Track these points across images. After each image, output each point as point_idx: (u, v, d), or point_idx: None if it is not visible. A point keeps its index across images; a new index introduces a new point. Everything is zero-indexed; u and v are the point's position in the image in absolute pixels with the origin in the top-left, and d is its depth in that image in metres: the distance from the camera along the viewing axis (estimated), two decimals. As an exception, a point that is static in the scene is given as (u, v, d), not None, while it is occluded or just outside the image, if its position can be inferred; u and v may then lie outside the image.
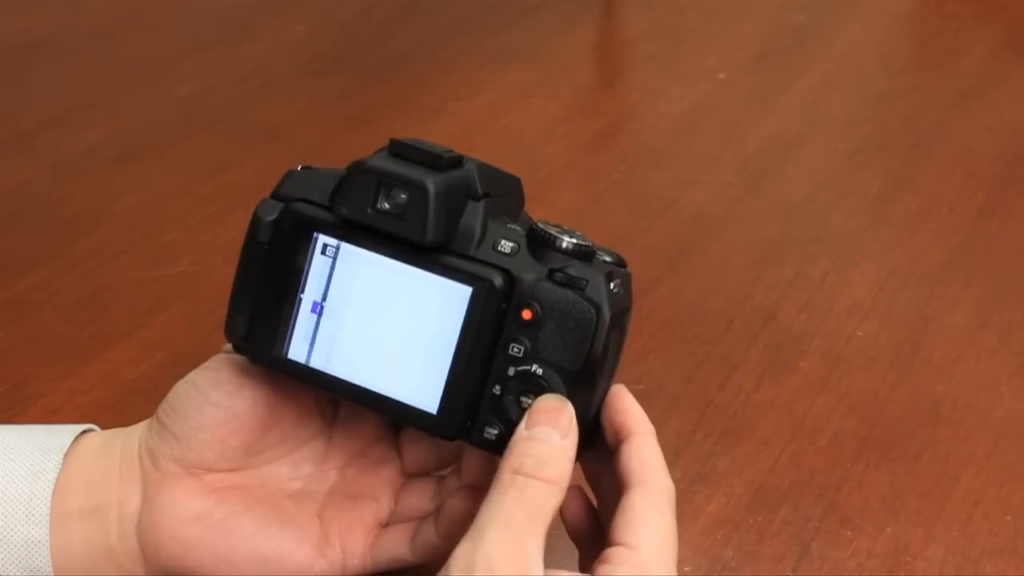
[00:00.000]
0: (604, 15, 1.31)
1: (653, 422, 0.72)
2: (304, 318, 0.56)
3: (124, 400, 0.73)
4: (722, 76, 1.16)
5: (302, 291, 0.56)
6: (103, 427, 0.61)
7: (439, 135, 1.04)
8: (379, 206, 0.54)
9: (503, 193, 0.57)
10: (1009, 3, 1.32)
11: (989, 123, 1.08)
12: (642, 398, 0.72)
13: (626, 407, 0.55)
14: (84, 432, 0.58)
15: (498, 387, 0.55)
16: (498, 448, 0.55)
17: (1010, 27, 1.28)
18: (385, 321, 0.56)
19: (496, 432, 0.55)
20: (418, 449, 0.59)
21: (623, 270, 0.56)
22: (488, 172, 0.56)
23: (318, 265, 0.56)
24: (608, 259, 0.56)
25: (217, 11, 1.26)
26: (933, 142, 1.05)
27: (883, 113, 1.11)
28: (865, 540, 0.65)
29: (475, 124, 1.06)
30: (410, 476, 0.59)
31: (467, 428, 0.55)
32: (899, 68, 1.22)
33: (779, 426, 0.72)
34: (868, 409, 0.74)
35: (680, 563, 0.63)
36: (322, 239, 0.56)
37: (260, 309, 0.57)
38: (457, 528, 0.57)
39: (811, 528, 0.66)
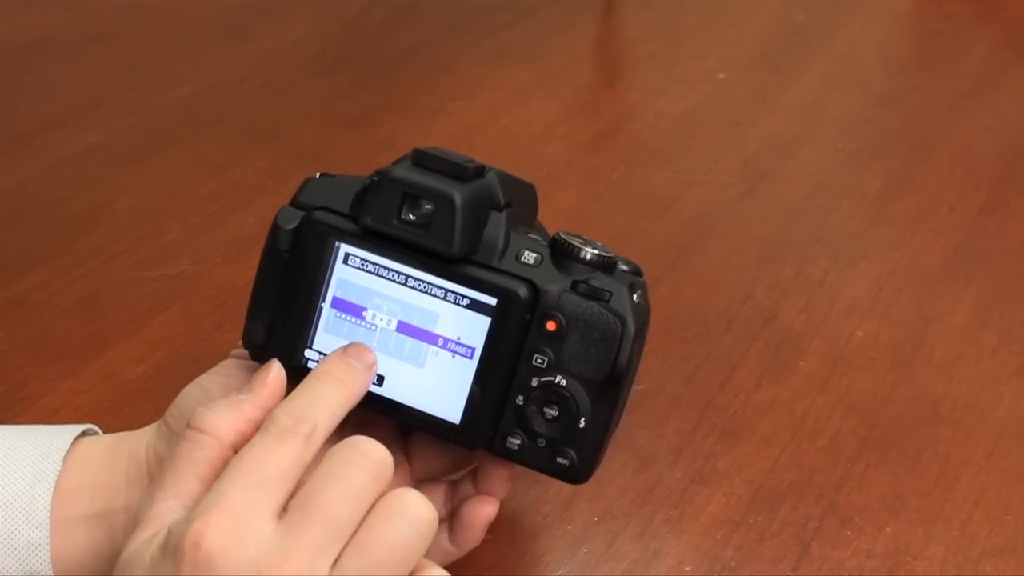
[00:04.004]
0: (604, 15, 1.31)
1: (653, 422, 0.72)
2: (325, 327, 0.56)
3: (124, 400, 0.73)
4: (722, 76, 1.16)
5: (323, 300, 0.56)
6: (103, 427, 0.61)
7: (439, 135, 1.04)
8: (404, 217, 0.54)
9: (521, 201, 0.57)
10: (1009, 3, 1.32)
11: (989, 123, 1.08)
12: (642, 398, 0.72)
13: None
14: (84, 433, 0.58)
15: (521, 398, 0.55)
16: (520, 458, 0.56)
17: (1010, 27, 1.28)
18: (408, 331, 0.56)
19: (518, 442, 0.55)
20: (427, 455, 0.59)
21: (641, 279, 0.56)
22: (508, 181, 0.56)
23: (340, 274, 0.56)
24: (626, 268, 0.56)
25: (217, 11, 1.26)
26: (933, 142, 1.05)
27: (883, 113, 1.11)
28: (865, 540, 0.65)
29: (475, 124, 1.06)
30: (419, 482, 0.59)
31: (489, 438, 0.55)
32: (899, 68, 1.22)
33: (779, 426, 0.72)
34: (868, 409, 0.74)
35: (680, 563, 0.63)
36: (344, 248, 0.56)
37: (279, 317, 0.57)
38: (472, 535, 0.57)
39: (811, 528, 0.66)
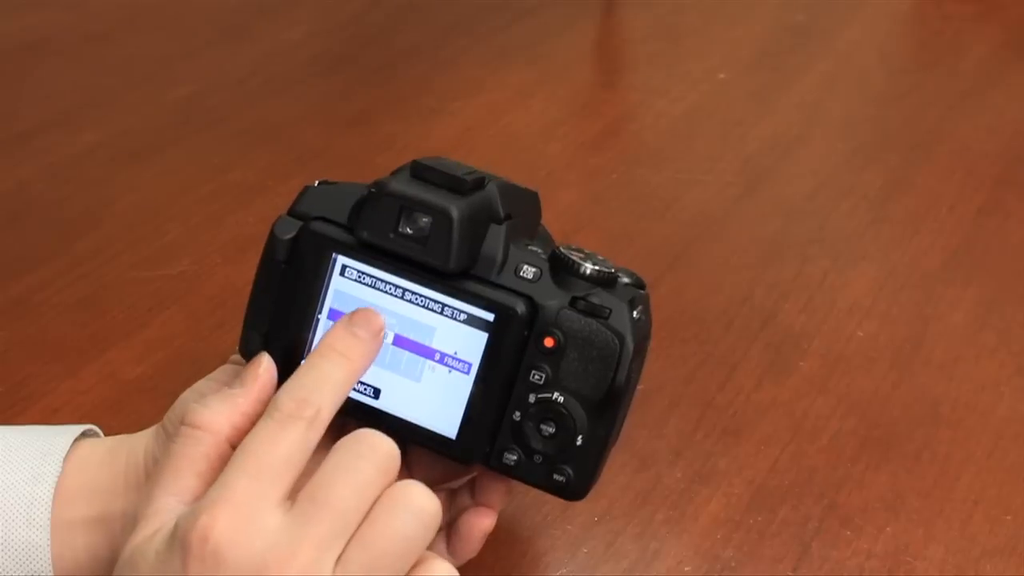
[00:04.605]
0: (604, 15, 1.31)
1: (653, 422, 0.72)
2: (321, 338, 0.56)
3: (124, 400, 0.73)
4: (722, 76, 1.16)
5: (320, 311, 0.56)
6: (103, 427, 0.61)
7: (439, 135, 1.04)
8: (401, 230, 0.54)
9: (523, 212, 0.57)
10: (1009, 3, 1.32)
11: (989, 123, 1.08)
12: (642, 398, 0.72)
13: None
14: (84, 433, 0.58)
15: (518, 413, 0.54)
16: (517, 474, 0.55)
17: (1010, 27, 1.28)
18: (404, 345, 0.55)
19: (515, 458, 0.55)
20: (426, 465, 0.59)
21: (643, 292, 0.55)
22: (509, 191, 0.56)
23: (337, 286, 0.56)
24: (627, 281, 0.55)
25: (217, 11, 1.26)
26: (933, 142, 1.05)
27: (883, 113, 1.11)
28: (865, 540, 0.65)
29: (475, 124, 1.06)
30: None
31: (486, 453, 0.55)
32: (899, 68, 1.22)
33: (779, 426, 0.72)
34: (868, 409, 0.74)
35: (680, 563, 0.63)
36: (341, 260, 0.55)
37: (276, 328, 0.56)
38: (469, 546, 0.57)
39: (811, 528, 0.66)
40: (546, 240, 0.59)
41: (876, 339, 0.80)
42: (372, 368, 0.55)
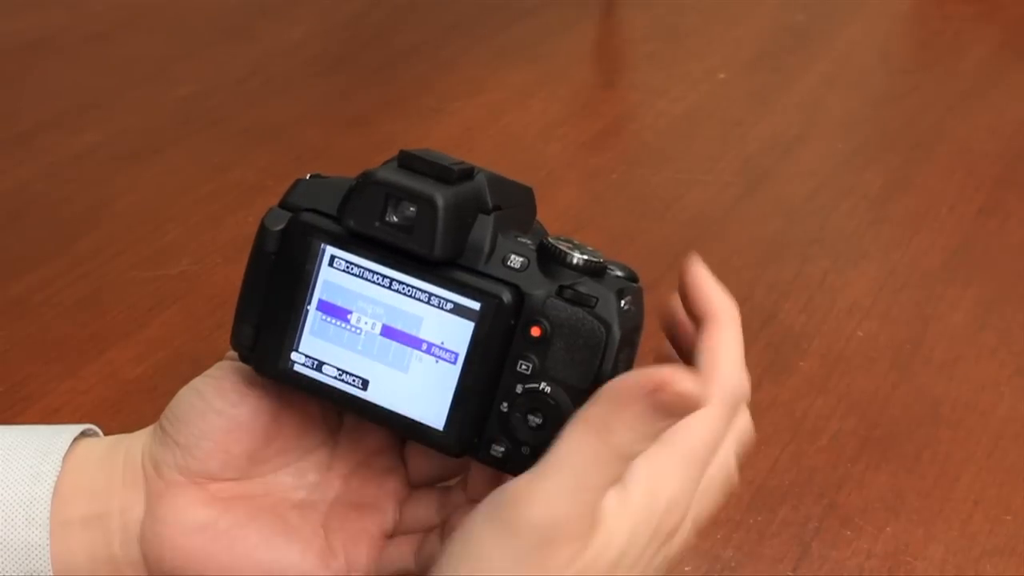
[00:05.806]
0: (604, 15, 1.31)
1: (653, 422, 0.72)
2: (311, 330, 0.56)
3: (124, 400, 0.73)
4: (722, 76, 1.16)
5: (309, 302, 0.56)
6: (103, 427, 0.61)
7: (439, 135, 1.04)
8: (387, 219, 0.54)
9: (514, 205, 0.57)
10: (1009, 3, 1.33)
11: (989, 123, 1.08)
12: (642, 398, 0.72)
13: (701, 288, 0.55)
14: (83, 433, 0.58)
15: (505, 404, 0.54)
16: (505, 465, 0.55)
17: (1010, 27, 1.28)
18: (392, 335, 0.55)
19: (503, 449, 0.55)
20: (424, 460, 0.59)
21: (634, 285, 0.55)
22: (499, 184, 0.56)
23: (326, 277, 0.56)
24: (620, 274, 0.55)
25: (217, 11, 1.26)
26: (933, 142, 1.05)
27: (883, 113, 1.11)
28: (865, 540, 0.65)
29: (475, 124, 1.06)
30: (415, 487, 0.59)
31: (474, 445, 0.55)
32: (899, 68, 1.22)
33: (779, 426, 0.72)
34: (868, 409, 0.74)
35: (680, 563, 0.63)
36: (330, 251, 0.55)
37: (266, 319, 0.56)
38: None
39: (811, 528, 0.66)
40: (539, 235, 0.59)
41: (876, 339, 0.80)
42: (360, 359, 0.55)
